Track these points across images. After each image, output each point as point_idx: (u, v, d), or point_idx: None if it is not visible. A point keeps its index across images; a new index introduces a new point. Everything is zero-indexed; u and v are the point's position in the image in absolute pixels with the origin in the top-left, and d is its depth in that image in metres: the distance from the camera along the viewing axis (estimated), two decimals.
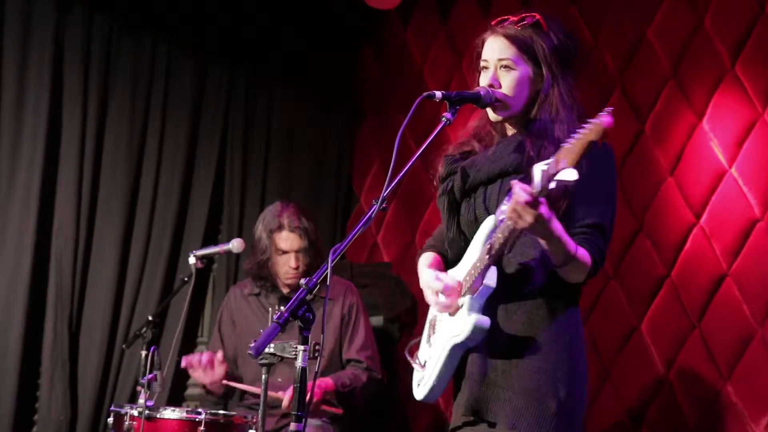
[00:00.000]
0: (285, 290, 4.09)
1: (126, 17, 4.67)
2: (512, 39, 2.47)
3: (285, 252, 4.02)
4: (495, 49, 2.49)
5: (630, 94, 4.12)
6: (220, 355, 3.88)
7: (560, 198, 2.36)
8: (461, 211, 2.52)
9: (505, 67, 2.47)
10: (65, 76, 4.53)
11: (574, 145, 2.10)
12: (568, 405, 2.35)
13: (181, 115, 4.79)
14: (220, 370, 3.88)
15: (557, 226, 2.27)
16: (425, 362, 2.48)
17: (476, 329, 2.34)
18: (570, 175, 2.15)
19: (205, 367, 3.83)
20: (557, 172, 2.12)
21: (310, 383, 3.77)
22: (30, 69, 4.44)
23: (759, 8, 3.81)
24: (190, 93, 4.81)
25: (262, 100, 5.01)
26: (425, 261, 2.60)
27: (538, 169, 2.17)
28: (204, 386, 4.02)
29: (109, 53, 4.64)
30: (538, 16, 2.50)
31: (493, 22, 2.53)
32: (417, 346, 2.51)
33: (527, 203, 2.19)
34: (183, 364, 3.85)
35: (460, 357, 2.39)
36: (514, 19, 2.50)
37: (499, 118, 2.49)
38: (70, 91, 4.53)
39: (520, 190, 2.19)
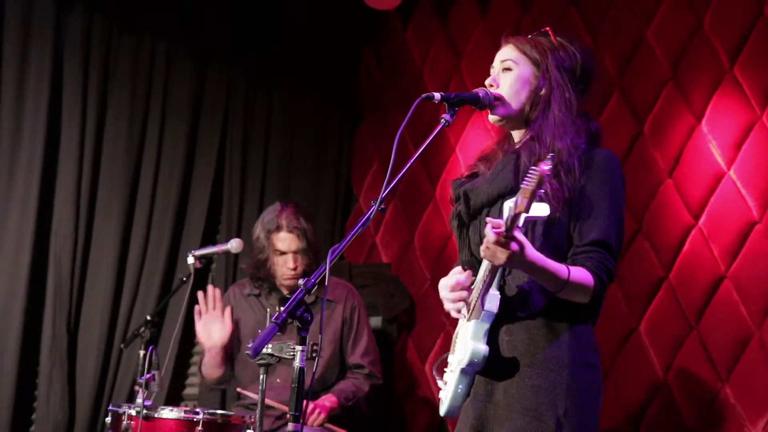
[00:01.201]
0: (285, 291, 4.10)
1: (126, 16, 4.67)
2: (517, 44, 2.52)
3: (283, 253, 4.03)
4: (501, 54, 2.54)
5: (629, 96, 4.13)
6: (228, 312, 3.94)
7: (554, 201, 2.35)
8: (470, 233, 2.53)
9: (506, 68, 2.50)
10: (65, 75, 4.53)
11: (524, 191, 2.13)
12: (570, 422, 2.33)
13: (181, 114, 4.79)
14: (225, 331, 3.94)
15: (537, 257, 2.27)
16: (447, 381, 2.50)
17: (474, 356, 2.36)
18: (541, 210, 2.21)
19: (215, 309, 3.92)
20: (517, 215, 2.16)
21: (316, 403, 3.81)
22: (30, 68, 4.44)
23: (758, 10, 3.81)
24: (190, 92, 4.81)
25: (261, 99, 5.01)
26: (453, 271, 2.59)
27: (507, 207, 2.21)
28: (200, 371, 4.04)
29: (109, 52, 4.64)
30: (547, 28, 2.54)
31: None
32: (445, 362, 2.52)
33: (497, 243, 2.21)
34: (199, 296, 3.94)
35: (470, 379, 2.40)
36: (529, 35, 2.55)
37: (497, 118, 2.50)
38: (70, 90, 4.53)
39: (489, 230, 2.21)
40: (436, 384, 2.52)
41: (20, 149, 4.42)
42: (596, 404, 2.43)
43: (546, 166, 2.13)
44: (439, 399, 2.47)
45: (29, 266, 4.39)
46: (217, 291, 3.97)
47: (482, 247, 2.26)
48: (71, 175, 4.51)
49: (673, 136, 3.98)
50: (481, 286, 2.38)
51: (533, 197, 2.14)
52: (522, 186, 2.14)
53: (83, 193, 4.54)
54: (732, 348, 3.72)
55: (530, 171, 2.13)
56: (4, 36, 4.40)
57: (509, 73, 2.49)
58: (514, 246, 2.21)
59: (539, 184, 2.13)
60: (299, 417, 2.23)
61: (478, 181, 2.53)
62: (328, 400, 3.88)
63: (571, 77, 2.49)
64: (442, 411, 2.44)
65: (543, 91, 2.47)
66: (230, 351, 4.03)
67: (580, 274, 2.34)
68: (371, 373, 4.05)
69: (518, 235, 2.22)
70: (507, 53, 2.51)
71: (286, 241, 4.03)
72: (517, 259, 2.24)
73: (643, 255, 4.00)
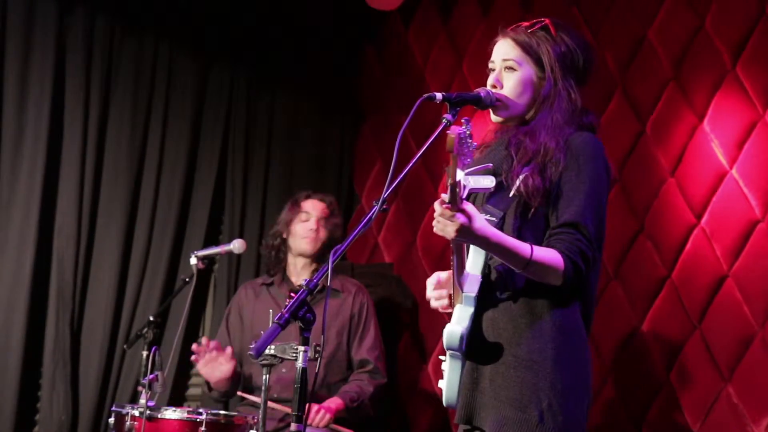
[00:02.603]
0: (296, 278, 4.11)
1: (128, 18, 4.68)
2: (518, 41, 2.50)
3: (308, 215, 4.11)
4: (501, 51, 2.52)
5: (631, 95, 4.13)
6: (229, 350, 3.89)
7: (532, 196, 2.36)
8: None
9: (509, 68, 2.49)
10: (67, 77, 4.53)
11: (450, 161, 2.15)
12: (554, 416, 2.33)
13: (183, 115, 4.79)
14: (227, 366, 3.89)
15: (490, 232, 2.27)
16: (444, 369, 2.51)
17: (448, 339, 2.37)
18: (486, 182, 2.22)
19: (211, 352, 3.84)
20: (453, 185, 2.16)
21: (321, 405, 3.80)
22: (32, 69, 4.44)
23: (760, 8, 3.81)
24: (192, 93, 4.82)
25: (263, 100, 5.02)
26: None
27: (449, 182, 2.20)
28: (207, 383, 4.03)
29: (111, 54, 4.64)
30: (547, 21, 2.52)
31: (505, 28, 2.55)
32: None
33: (443, 215, 2.22)
34: (193, 347, 3.85)
35: (461, 364, 2.40)
36: (526, 24, 2.53)
37: (500, 119, 2.51)
38: (72, 91, 4.54)
39: (437, 204, 2.23)
40: (438, 384, 2.52)
41: (23, 150, 4.42)
42: (582, 398, 2.41)
43: (457, 129, 2.15)
44: (440, 390, 2.47)
45: (32, 267, 4.40)
46: (213, 342, 3.91)
47: (433, 222, 2.26)
48: (74, 175, 4.51)
49: (675, 136, 3.98)
50: (454, 270, 2.39)
51: (455, 163, 2.15)
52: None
53: (86, 194, 4.54)
54: (735, 347, 3.72)
55: (448, 134, 2.15)
56: (6, 37, 4.40)
57: (512, 74, 2.48)
58: (460, 217, 2.21)
59: (450, 149, 2.14)
60: (302, 417, 2.23)
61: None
62: (333, 402, 3.89)
63: (574, 75, 2.48)
64: (443, 401, 2.45)
65: (546, 93, 2.46)
66: (237, 369, 4.02)
67: (546, 253, 2.32)
68: (375, 369, 4.05)
69: (467, 207, 2.22)
70: (508, 51, 2.50)
71: (315, 206, 4.17)
72: (467, 231, 2.23)
73: (646, 254, 4.00)
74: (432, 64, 4.89)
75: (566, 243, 2.34)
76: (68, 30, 4.54)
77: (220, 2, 4.86)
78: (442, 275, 2.52)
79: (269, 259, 4.25)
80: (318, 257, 4.14)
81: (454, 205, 2.20)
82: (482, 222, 2.26)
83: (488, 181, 2.23)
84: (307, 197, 4.21)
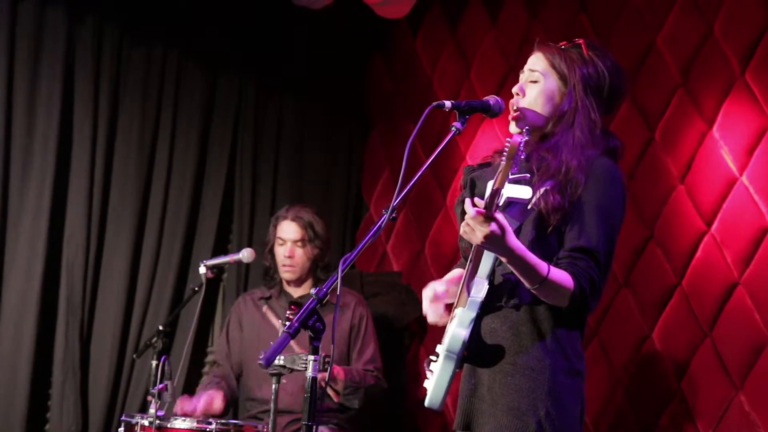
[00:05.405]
0: (286, 287, 4.10)
1: (136, 26, 4.70)
2: (546, 55, 2.51)
3: (283, 241, 4.06)
4: (531, 62, 2.54)
5: (640, 102, 4.12)
6: (219, 402, 3.87)
7: (551, 213, 2.36)
8: None
9: (533, 80, 2.51)
10: (76, 86, 4.55)
11: (501, 167, 2.15)
12: (552, 424, 2.35)
13: (191, 123, 4.80)
14: (219, 405, 3.89)
15: (516, 245, 2.27)
16: (432, 370, 2.50)
17: (452, 342, 2.36)
18: (524, 193, 2.22)
19: (205, 409, 3.85)
20: (495, 192, 2.17)
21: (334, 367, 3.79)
22: (41, 78, 4.46)
23: None
24: (200, 102, 4.83)
25: (271, 109, 5.03)
26: (449, 275, 2.60)
27: (489, 185, 2.21)
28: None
29: (120, 62, 4.66)
30: (581, 42, 2.52)
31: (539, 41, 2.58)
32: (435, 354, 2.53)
33: (476, 219, 2.21)
34: (179, 412, 3.82)
35: (453, 367, 2.39)
36: (563, 43, 2.54)
37: (518, 129, 2.51)
38: (81, 99, 4.55)
39: (469, 206, 2.23)
40: (423, 384, 2.51)
41: (32, 159, 4.43)
42: (577, 408, 2.43)
43: (519, 138, 2.16)
44: (424, 389, 2.46)
45: (42, 276, 4.41)
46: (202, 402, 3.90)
47: (462, 224, 2.26)
48: (83, 185, 4.52)
49: (684, 143, 3.97)
50: (466, 274, 2.39)
51: (508, 170, 2.15)
52: (500, 162, 2.17)
53: (95, 203, 4.55)
54: (746, 355, 3.70)
55: (506, 143, 2.15)
56: (16, 47, 4.42)
57: (536, 85, 2.50)
58: (493, 227, 2.22)
59: (511, 156, 2.15)
60: (311, 427, 2.23)
61: (487, 171, 2.54)
62: (335, 368, 3.88)
63: (597, 97, 2.48)
64: (426, 401, 2.43)
65: (566, 108, 2.47)
66: (228, 403, 4.03)
67: (560, 275, 2.33)
68: (377, 376, 4.06)
69: (500, 218, 2.23)
70: (536, 63, 2.52)
71: (287, 229, 4.10)
72: (496, 241, 2.24)
73: (656, 262, 3.99)
74: (440, 72, 4.89)
75: (578, 268, 2.35)
76: (77, 39, 4.55)
77: (229, 10, 4.87)
78: (439, 288, 2.51)
79: (266, 275, 4.24)
80: (306, 275, 4.13)
81: (489, 211, 2.20)
82: (512, 235, 2.27)
83: (526, 192, 2.23)
84: (284, 218, 4.13)
